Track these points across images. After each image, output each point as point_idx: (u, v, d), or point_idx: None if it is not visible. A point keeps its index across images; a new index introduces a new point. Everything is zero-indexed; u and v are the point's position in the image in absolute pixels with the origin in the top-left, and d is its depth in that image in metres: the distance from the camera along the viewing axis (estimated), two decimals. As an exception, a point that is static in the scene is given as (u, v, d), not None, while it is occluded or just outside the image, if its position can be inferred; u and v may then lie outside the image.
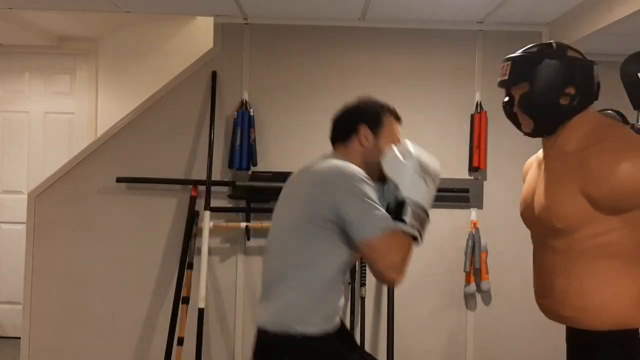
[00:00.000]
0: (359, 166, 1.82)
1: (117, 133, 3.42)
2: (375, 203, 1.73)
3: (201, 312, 3.19)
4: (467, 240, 3.37)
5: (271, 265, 1.88)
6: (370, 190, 1.75)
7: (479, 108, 3.40)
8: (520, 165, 3.48)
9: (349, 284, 3.28)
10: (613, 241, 1.74)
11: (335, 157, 1.90)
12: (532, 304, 3.43)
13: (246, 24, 3.42)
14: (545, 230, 1.87)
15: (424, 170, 1.80)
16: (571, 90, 1.77)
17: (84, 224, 3.41)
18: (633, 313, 1.76)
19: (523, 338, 3.42)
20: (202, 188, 3.33)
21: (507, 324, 3.44)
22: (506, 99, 1.92)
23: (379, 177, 1.86)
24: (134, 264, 3.41)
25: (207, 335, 3.35)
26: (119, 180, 3.33)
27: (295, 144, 3.42)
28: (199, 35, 4.05)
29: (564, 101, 1.78)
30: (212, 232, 3.29)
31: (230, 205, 3.41)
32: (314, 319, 1.78)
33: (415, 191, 1.78)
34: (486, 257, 3.37)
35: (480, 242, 3.36)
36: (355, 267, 3.30)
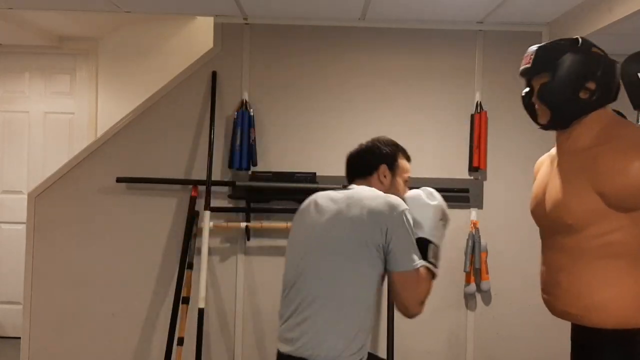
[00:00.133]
0: None
1: (117, 133, 3.42)
2: (414, 238, 1.90)
3: (201, 312, 3.19)
4: (467, 240, 3.37)
5: (312, 287, 1.88)
6: (411, 224, 1.91)
7: (479, 108, 3.40)
8: (521, 165, 3.49)
9: None
10: (619, 240, 1.75)
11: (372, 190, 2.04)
12: (532, 304, 3.43)
13: (246, 24, 3.42)
14: (555, 227, 1.87)
15: (444, 215, 2.02)
16: (592, 85, 1.79)
17: (84, 224, 3.41)
18: (636, 312, 1.76)
19: (523, 338, 3.42)
20: (202, 188, 3.33)
21: (507, 324, 3.44)
22: (526, 89, 1.93)
23: None
24: (134, 264, 3.40)
25: (207, 335, 3.35)
26: (119, 180, 3.33)
27: (295, 144, 3.42)
28: (199, 35, 4.05)
29: (583, 95, 1.79)
30: (212, 232, 3.29)
31: (230, 205, 3.41)
32: (358, 348, 1.86)
33: (436, 233, 1.97)
34: (486, 257, 3.37)
35: (480, 242, 3.36)
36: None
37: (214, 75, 3.39)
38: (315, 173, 3.38)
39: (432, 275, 1.93)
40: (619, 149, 1.72)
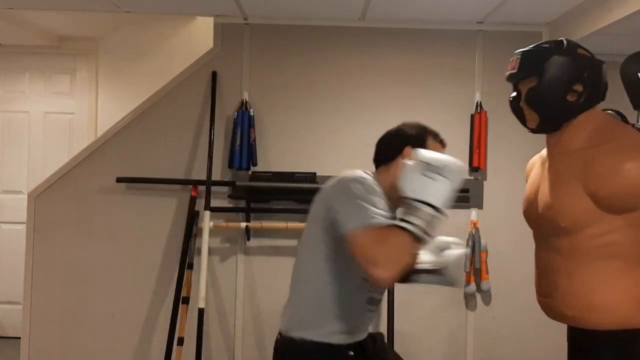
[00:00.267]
0: None
1: (117, 133, 3.42)
2: (364, 199, 1.73)
3: (201, 312, 3.19)
4: (467, 240, 3.37)
5: (293, 271, 1.96)
6: (363, 189, 1.76)
7: (479, 108, 3.40)
8: (521, 165, 3.47)
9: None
10: (616, 241, 1.75)
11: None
12: (532, 304, 3.41)
13: (246, 24, 3.42)
14: (548, 229, 1.86)
15: (429, 167, 1.71)
16: (579, 88, 1.78)
17: (84, 224, 3.41)
18: (635, 313, 1.76)
19: (523, 338, 3.42)
20: (202, 188, 3.33)
21: (507, 324, 3.44)
22: (514, 94, 1.92)
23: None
24: (134, 264, 3.41)
25: (207, 335, 3.35)
26: (119, 180, 3.33)
27: (295, 144, 3.42)
28: (199, 35, 4.05)
29: (571, 98, 1.79)
30: (212, 232, 3.29)
31: (230, 205, 3.41)
32: (313, 324, 1.84)
33: (416, 189, 1.70)
34: (486, 257, 3.37)
35: (480, 242, 3.36)
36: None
37: (214, 75, 3.39)
38: (315, 173, 3.38)
39: (412, 234, 1.65)
40: (610, 151, 1.72)
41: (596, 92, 1.82)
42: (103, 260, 3.40)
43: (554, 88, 1.78)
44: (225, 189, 3.39)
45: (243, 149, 3.31)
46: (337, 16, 3.36)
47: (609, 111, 2.08)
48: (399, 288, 3.25)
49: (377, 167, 2.01)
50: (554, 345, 3.36)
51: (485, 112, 3.38)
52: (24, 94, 4.71)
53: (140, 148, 3.42)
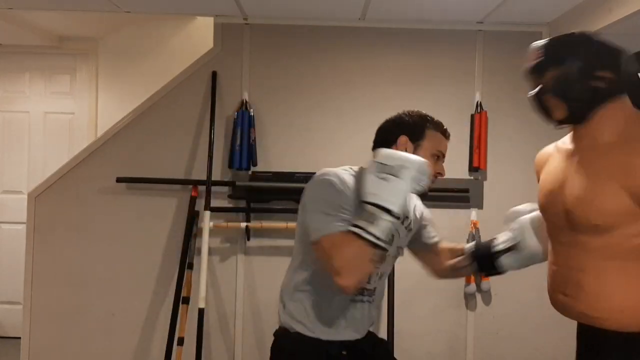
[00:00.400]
0: None
1: (117, 133, 3.42)
2: (328, 204, 1.72)
3: (201, 312, 3.19)
4: (467, 240, 3.36)
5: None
6: (330, 190, 1.75)
7: (479, 108, 3.40)
8: (521, 165, 3.48)
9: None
10: None
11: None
12: (532, 304, 3.42)
13: (246, 24, 3.42)
14: (576, 226, 1.78)
15: (382, 168, 1.67)
16: (605, 74, 1.75)
17: (84, 224, 3.41)
18: None
19: (523, 338, 3.42)
20: (202, 188, 3.33)
21: (507, 324, 3.44)
22: (534, 89, 1.84)
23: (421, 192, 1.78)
24: (134, 264, 3.41)
25: (207, 335, 3.35)
26: (119, 180, 3.33)
27: (296, 144, 3.42)
28: (199, 35, 4.04)
29: (598, 84, 1.74)
30: (212, 232, 3.29)
31: (230, 205, 3.41)
32: (296, 318, 1.87)
33: (369, 192, 1.66)
34: (486, 257, 3.37)
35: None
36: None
37: (214, 75, 3.39)
38: (315, 173, 3.37)
39: (368, 241, 1.63)
40: None
41: (622, 81, 1.77)
42: (103, 260, 3.41)
43: (581, 74, 1.74)
44: (225, 189, 3.39)
45: (243, 149, 3.31)
46: (337, 16, 3.36)
47: None
48: (399, 288, 3.26)
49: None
50: (554, 345, 3.37)
51: (485, 112, 3.38)
52: (24, 94, 4.71)
53: (140, 148, 3.42)
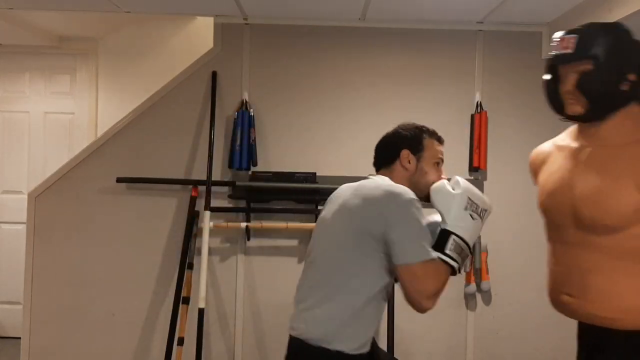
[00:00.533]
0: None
1: (117, 133, 3.42)
2: (421, 228, 1.81)
3: (201, 312, 3.19)
4: (467, 240, 3.37)
5: (316, 275, 1.91)
6: (419, 213, 1.82)
7: (479, 108, 3.40)
8: (521, 165, 3.46)
9: None
10: None
11: (382, 179, 1.96)
12: (532, 304, 3.42)
13: (246, 24, 3.42)
14: (584, 226, 1.75)
15: (471, 205, 1.86)
16: (633, 77, 1.70)
17: (84, 224, 3.41)
18: None
19: (523, 338, 3.42)
20: (202, 188, 3.33)
21: (507, 324, 3.44)
22: (551, 76, 1.80)
23: (425, 198, 1.93)
24: (134, 264, 3.41)
25: (207, 335, 3.35)
26: (119, 180, 3.33)
27: (296, 144, 3.42)
28: (199, 35, 4.05)
29: (624, 87, 1.70)
30: (212, 232, 3.29)
31: (230, 205, 3.41)
32: (351, 337, 1.82)
33: (460, 225, 1.84)
34: (486, 257, 3.38)
35: (480, 242, 3.35)
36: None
37: (214, 75, 3.39)
38: (315, 173, 3.38)
39: (451, 268, 1.83)
40: None
41: None
42: (103, 260, 3.41)
43: (611, 74, 1.69)
44: (225, 189, 3.39)
45: (243, 149, 3.31)
46: (337, 16, 3.36)
47: None
48: (399, 288, 3.25)
49: (377, 170, 2.03)
50: (554, 345, 3.37)
51: (485, 112, 3.38)
52: (24, 94, 4.71)
53: (140, 148, 3.42)
